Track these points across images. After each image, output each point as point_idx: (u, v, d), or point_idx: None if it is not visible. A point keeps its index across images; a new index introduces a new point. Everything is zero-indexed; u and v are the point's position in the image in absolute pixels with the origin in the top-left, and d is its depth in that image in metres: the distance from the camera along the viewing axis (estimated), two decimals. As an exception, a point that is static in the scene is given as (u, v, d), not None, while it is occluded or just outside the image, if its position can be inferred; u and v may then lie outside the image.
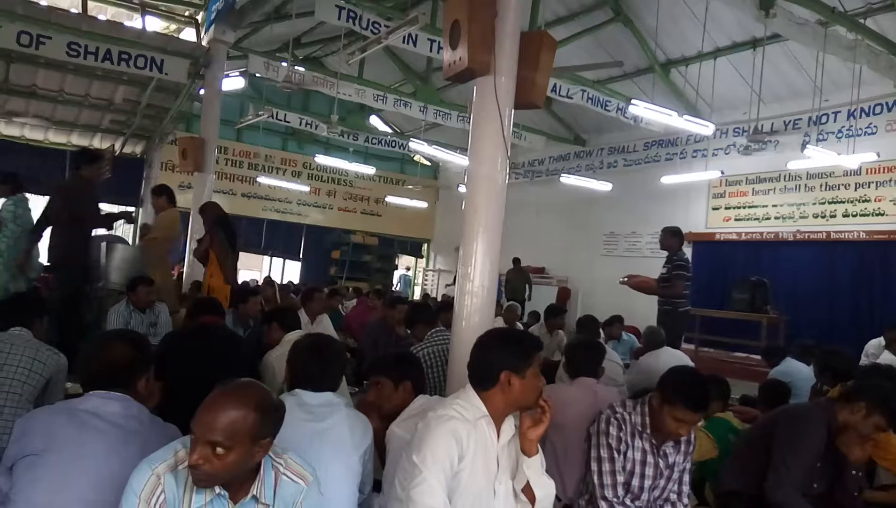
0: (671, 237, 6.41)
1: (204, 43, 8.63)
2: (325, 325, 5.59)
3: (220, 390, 1.60)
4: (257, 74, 10.08)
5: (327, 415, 2.17)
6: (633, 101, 8.96)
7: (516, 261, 12.88)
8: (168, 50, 8.01)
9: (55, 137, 12.28)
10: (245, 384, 1.65)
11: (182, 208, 8.03)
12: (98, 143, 12.68)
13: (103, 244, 6.27)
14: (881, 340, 7.83)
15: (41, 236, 5.53)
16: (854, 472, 2.84)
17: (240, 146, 16.31)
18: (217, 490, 1.59)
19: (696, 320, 9.43)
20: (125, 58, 7.69)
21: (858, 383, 2.85)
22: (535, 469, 2.07)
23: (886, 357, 6.97)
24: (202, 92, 8.92)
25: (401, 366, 2.62)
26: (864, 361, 7.83)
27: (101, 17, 9.77)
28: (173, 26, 10.74)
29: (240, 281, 12.12)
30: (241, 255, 19.31)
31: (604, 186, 12.81)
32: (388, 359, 2.72)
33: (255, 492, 1.64)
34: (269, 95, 13.42)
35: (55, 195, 5.53)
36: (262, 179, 15.84)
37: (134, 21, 10.05)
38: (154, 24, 10.40)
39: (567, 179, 12.92)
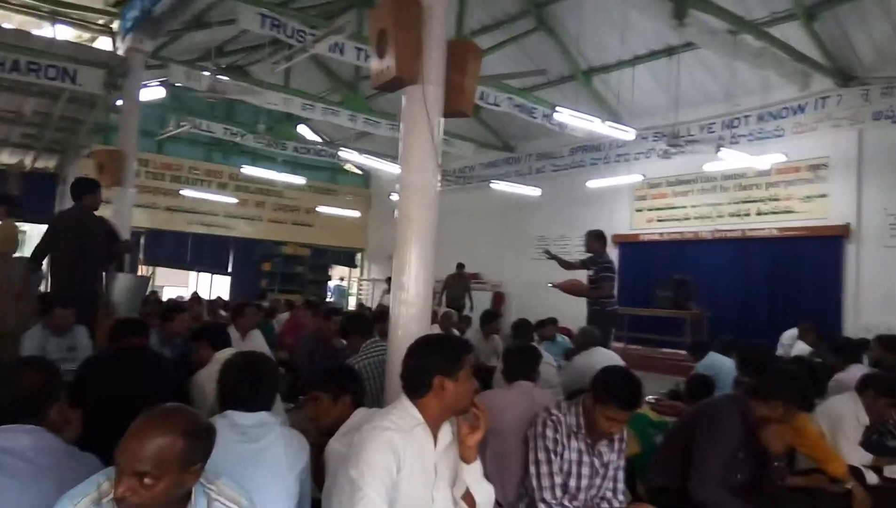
0: (595, 240, 6.62)
1: (120, 52, 8.28)
2: (256, 340, 5.44)
3: (144, 416, 1.53)
4: (178, 84, 9.76)
5: (261, 436, 2.11)
6: (557, 108, 9.19)
7: (460, 266, 12.76)
8: (80, 59, 7.67)
9: (-41, 153, 11.54)
10: (171, 408, 1.59)
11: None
12: (7, 158, 12.00)
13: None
14: (795, 331, 8.29)
15: (40, 267, 5.37)
16: (777, 463, 2.97)
17: (161, 158, 15.76)
18: None
19: (624, 318, 9.75)
20: (34, 68, 7.32)
21: (767, 379, 2.93)
22: (474, 476, 2.08)
23: (799, 347, 7.39)
24: (119, 103, 8.56)
25: (339, 380, 2.58)
26: (779, 351, 8.27)
27: (7, 25, 9.25)
28: (87, 35, 10.26)
29: (165, 298, 11.68)
30: (166, 271, 18.59)
31: (533, 192, 13.07)
32: (325, 373, 2.67)
33: None
34: (191, 105, 13.04)
35: (60, 226, 5.36)
36: (186, 192, 15.35)
37: (44, 30, 9.56)
38: (66, 34, 9.91)
39: (497, 186, 13.12)
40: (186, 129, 11.92)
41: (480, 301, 12.17)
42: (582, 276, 6.89)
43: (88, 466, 1.74)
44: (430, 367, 2.04)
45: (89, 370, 3.17)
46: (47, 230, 5.34)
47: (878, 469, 3.68)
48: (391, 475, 1.91)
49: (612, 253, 12.58)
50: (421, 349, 2.14)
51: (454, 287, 12.47)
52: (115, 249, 5.69)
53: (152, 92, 9.27)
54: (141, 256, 15.34)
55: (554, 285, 6.93)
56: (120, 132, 8.38)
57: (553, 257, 7.07)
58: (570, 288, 6.54)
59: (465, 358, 2.10)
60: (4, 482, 1.65)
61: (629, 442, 3.27)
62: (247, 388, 2.18)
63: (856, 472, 3.45)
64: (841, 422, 3.65)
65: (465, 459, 2.07)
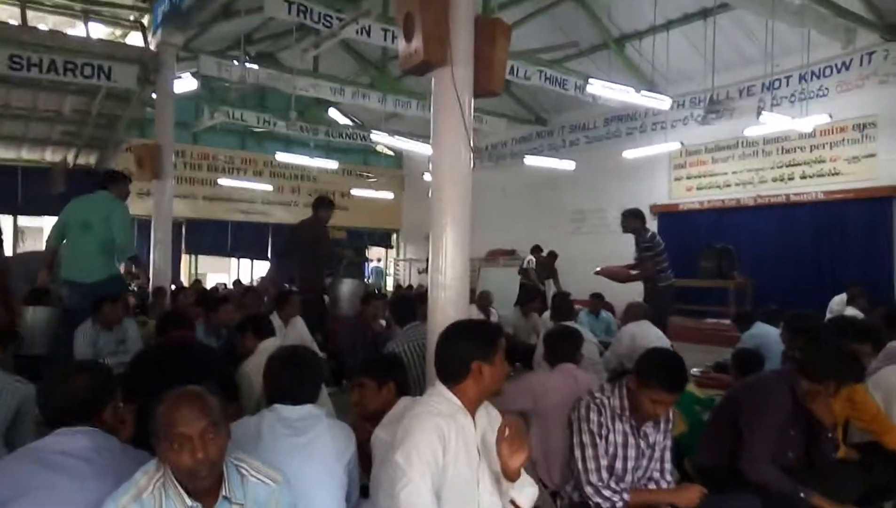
0: (633, 219, 6.42)
1: (152, 47, 8.40)
2: (298, 328, 5.52)
3: (171, 395, 1.65)
4: (210, 75, 9.86)
5: (308, 428, 2.14)
6: (590, 79, 9.00)
7: (537, 249, 11.81)
8: (115, 56, 7.80)
9: (4, 154, 11.89)
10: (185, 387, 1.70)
11: (143, 217, 7.76)
12: (50, 156, 12.34)
13: None
14: (844, 297, 8.06)
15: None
16: (829, 435, 2.90)
17: (198, 149, 16.01)
18: (189, 502, 1.60)
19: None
20: (71, 67, 7.48)
21: (818, 363, 2.83)
22: (517, 488, 2.10)
23: (850, 313, 7.18)
24: (154, 97, 8.70)
25: (385, 367, 2.64)
26: (828, 317, 8.05)
27: (42, 26, 9.45)
28: (119, 32, 10.42)
29: (208, 286, 11.92)
30: (207, 259, 18.96)
31: (567, 165, 12.89)
32: (371, 360, 2.75)
33: (224, 493, 1.65)
34: (224, 95, 13.16)
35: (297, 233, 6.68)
36: (224, 181, 15.58)
37: (77, 29, 9.74)
38: (98, 31, 10.08)
39: (531, 161, 12.96)
40: (220, 119, 12.05)
41: (517, 279, 12.06)
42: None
43: (143, 462, 1.78)
44: (467, 353, 2.05)
45: (140, 366, 3.27)
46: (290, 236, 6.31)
47: (936, 441, 3.56)
48: (437, 460, 1.93)
49: (652, 224, 12.39)
50: (456, 335, 2.15)
51: (539, 273, 11.40)
52: (337, 255, 6.91)
53: (185, 84, 9.38)
54: (182, 245, 15.74)
55: (597, 273, 6.90)
56: (156, 125, 8.55)
57: (604, 272, 6.84)
58: (613, 275, 6.44)
59: (500, 341, 2.13)
60: (63, 482, 1.71)
61: (676, 421, 3.23)
62: (292, 383, 2.22)
63: (913, 444, 3.34)
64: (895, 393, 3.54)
65: (510, 479, 2.05)
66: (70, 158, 12.17)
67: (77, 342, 4.79)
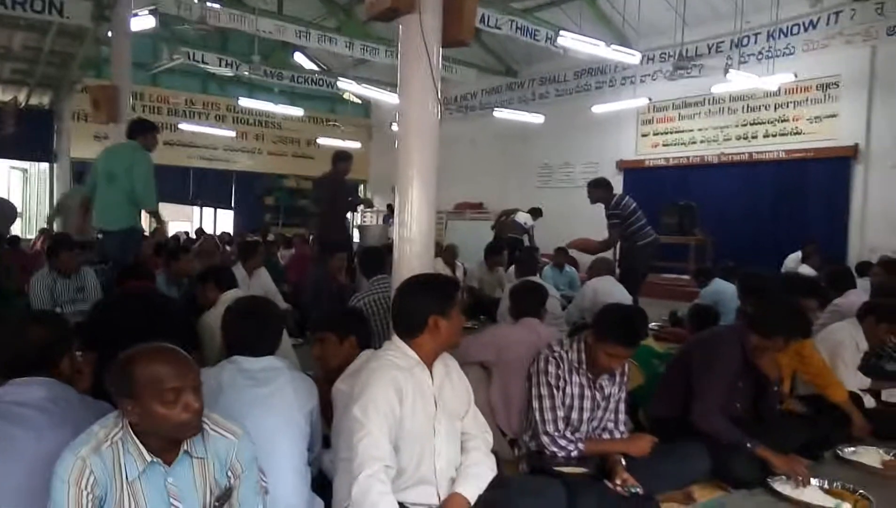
0: (597, 190, 6.29)
1: (106, -19, 7.98)
2: (263, 279, 5.49)
3: (145, 351, 1.62)
4: (168, 13, 9.44)
5: (270, 380, 2.15)
6: (561, 32, 8.89)
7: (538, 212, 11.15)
8: (66, -10, 7.40)
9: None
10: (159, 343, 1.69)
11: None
12: (0, 95, 11.79)
13: None
14: (799, 254, 8.30)
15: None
16: (775, 388, 3.04)
17: (157, 91, 15.42)
18: (148, 458, 1.60)
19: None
20: (19, 1, 7.08)
21: (768, 319, 2.93)
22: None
23: (804, 270, 7.42)
24: (110, 35, 8.31)
25: (346, 322, 2.64)
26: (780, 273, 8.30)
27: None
28: (70, -37, 9.86)
29: (169, 234, 11.74)
30: (168, 206, 18.65)
31: (536, 119, 12.83)
32: (332, 314, 2.75)
33: (185, 448, 1.66)
34: (184, 36, 12.64)
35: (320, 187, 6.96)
36: (184, 126, 15.11)
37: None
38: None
39: (500, 113, 12.85)
40: (180, 60, 11.61)
41: (484, 233, 12.10)
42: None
43: (101, 413, 1.77)
44: (424, 307, 2.09)
45: (99, 316, 3.22)
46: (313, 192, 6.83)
47: (875, 394, 3.76)
48: (394, 412, 1.98)
49: (618, 179, 12.52)
50: (413, 290, 2.19)
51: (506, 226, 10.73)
52: (354, 203, 7.95)
53: (142, 22, 8.94)
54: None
55: (568, 246, 7.04)
56: (112, 65, 8.17)
57: (574, 245, 6.74)
58: (582, 247, 6.50)
59: (456, 296, 2.18)
60: (20, 433, 1.69)
61: (633, 373, 3.34)
62: (251, 333, 2.22)
63: (854, 397, 3.52)
64: (840, 348, 3.71)
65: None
66: (22, 98, 11.66)
67: (34, 288, 4.71)
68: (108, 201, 5.27)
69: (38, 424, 1.73)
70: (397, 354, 2.10)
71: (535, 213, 11.00)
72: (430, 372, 2.12)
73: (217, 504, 1.69)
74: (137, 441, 1.60)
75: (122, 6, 7.79)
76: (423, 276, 2.46)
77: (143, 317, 3.10)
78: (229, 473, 1.72)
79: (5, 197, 9.43)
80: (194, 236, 12.50)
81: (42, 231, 11.27)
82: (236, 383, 2.10)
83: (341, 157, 6.91)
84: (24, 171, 15.44)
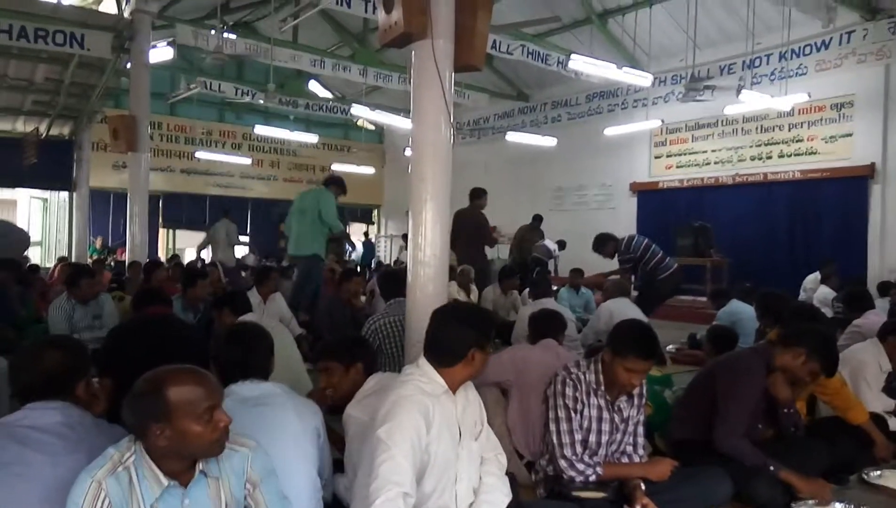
0: (603, 247, 6.57)
1: (126, 14, 8.18)
2: (278, 304, 5.50)
3: (177, 368, 1.66)
4: (186, 44, 9.65)
5: (270, 404, 2.12)
6: (572, 55, 8.96)
7: (537, 219, 10.96)
8: (88, 24, 7.61)
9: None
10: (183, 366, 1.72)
11: (119, 189, 7.61)
12: (22, 126, 12.04)
13: None
14: (817, 275, 8.20)
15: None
16: (785, 410, 2.97)
17: (174, 120, 15.72)
18: (165, 481, 1.60)
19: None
20: (42, 35, 7.29)
21: (795, 328, 2.94)
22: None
23: (823, 291, 7.33)
24: (129, 66, 8.50)
25: (350, 349, 2.63)
26: (802, 296, 8.21)
27: (10, -10, 9.13)
28: (91, -2, 10.15)
29: (186, 261, 11.83)
30: (186, 233, 18.73)
31: (549, 142, 12.87)
32: (335, 343, 2.74)
33: (201, 468, 1.67)
34: (200, 65, 12.90)
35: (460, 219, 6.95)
36: (201, 154, 15.32)
37: (47, -6, 9.43)
38: (70, -3, 9.79)
39: (512, 137, 12.92)
40: (197, 90, 11.82)
41: (499, 256, 12.09)
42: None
43: (116, 437, 1.77)
44: (466, 339, 2.09)
45: (117, 341, 3.23)
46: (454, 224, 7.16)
47: (900, 415, 3.67)
48: (421, 439, 1.95)
49: (631, 202, 12.50)
50: (456, 320, 2.16)
51: (529, 240, 10.44)
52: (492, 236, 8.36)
53: (160, 53, 9.18)
54: (159, 219, 15.53)
55: (583, 283, 7.64)
56: (131, 95, 8.36)
57: (585, 283, 7.59)
58: (593, 284, 6.82)
59: (493, 331, 2.21)
60: (36, 457, 1.69)
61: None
62: (237, 356, 2.20)
63: (877, 419, 3.44)
64: (863, 369, 3.64)
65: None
66: (42, 129, 11.88)
67: (52, 315, 4.75)
68: (299, 232, 6.48)
69: (54, 449, 1.73)
70: (424, 380, 2.08)
71: (562, 245, 11.02)
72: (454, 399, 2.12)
73: None
74: (153, 465, 1.60)
75: (141, 38, 7.99)
76: (467, 306, 2.50)
77: (160, 342, 3.11)
78: (248, 485, 1.74)
79: (18, 225, 9.58)
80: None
81: (60, 259, 11.43)
82: (237, 412, 2.08)
83: (477, 193, 7.60)
84: (45, 200, 15.71)
